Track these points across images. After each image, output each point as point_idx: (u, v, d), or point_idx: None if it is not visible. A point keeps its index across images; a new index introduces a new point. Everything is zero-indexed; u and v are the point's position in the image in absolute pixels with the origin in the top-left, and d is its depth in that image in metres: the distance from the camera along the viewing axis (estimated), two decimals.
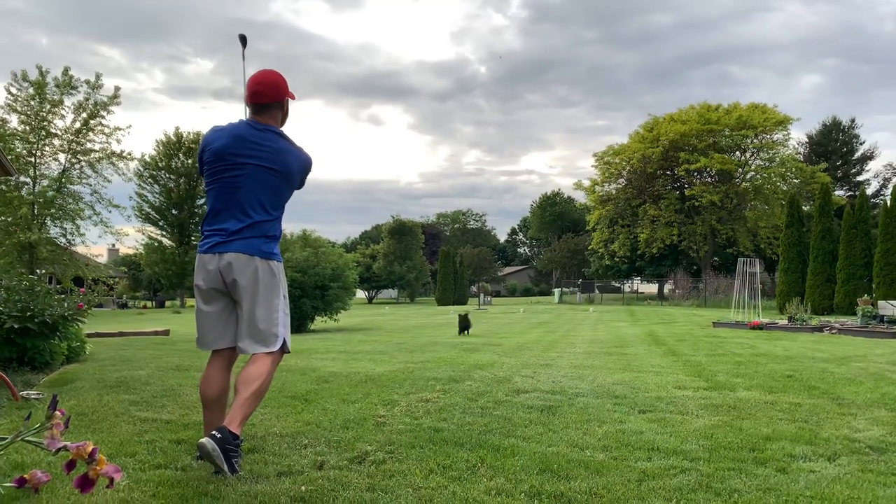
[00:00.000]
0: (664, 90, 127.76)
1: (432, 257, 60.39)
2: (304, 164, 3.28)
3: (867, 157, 49.50)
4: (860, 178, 48.99)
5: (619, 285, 55.94)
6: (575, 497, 2.60)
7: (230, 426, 2.79)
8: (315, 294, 15.25)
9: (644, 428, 3.90)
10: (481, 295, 42.95)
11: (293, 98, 3.29)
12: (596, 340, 11.08)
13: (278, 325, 3.12)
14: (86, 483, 1.35)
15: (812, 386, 5.62)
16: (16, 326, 5.61)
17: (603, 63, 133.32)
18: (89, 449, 1.35)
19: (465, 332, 12.92)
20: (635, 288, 56.81)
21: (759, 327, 14.18)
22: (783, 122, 41.58)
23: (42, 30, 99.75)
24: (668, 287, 45.71)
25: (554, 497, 2.61)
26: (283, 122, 3.28)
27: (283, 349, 3.17)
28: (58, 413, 1.43)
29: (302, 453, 3.25)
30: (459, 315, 13.55)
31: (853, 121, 49.97)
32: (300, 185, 3.33)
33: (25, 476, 1.36)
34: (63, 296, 6.45)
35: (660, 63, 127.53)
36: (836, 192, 43.16)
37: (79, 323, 6.59)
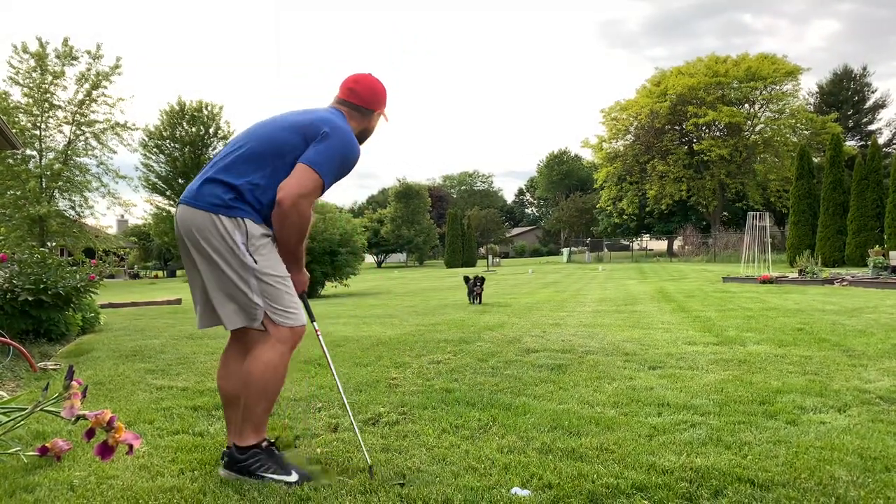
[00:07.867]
0: (674, 42, 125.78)
1: (440, 220, 60.27)
2: None
3: (879, 106, 48.67)
4: (872, 128, 48.29)
5: (628, 243, 55.87)
6: (586, 453, 2.64)
7: (236, 440, 2.47)
8: (324, 260, 15.28)
9: (654, 384, 3.93)
10: (489, 256, 42.89)
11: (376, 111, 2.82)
12: (605, 299, 11.10)
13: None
14: (106, 450, 1.38)
15: (822, 338, 5.63)
16: (30, 299, 5.68)
17: (611, 15, 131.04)
18: (107, 417, 1.37)
19: (477, 299, 10.48)
20: (644, 245, 56.73)
21: (770, 281, 14.15)
22: (793, 73, 40.92)
23: None
24: (677, 243, 45.56)
25: (565, 453, 2.64)
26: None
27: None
28: (75, 383, 1.45)
29: (317, 416, 3.30)
30: (466, 278, 11.03)
31: (865, 69, 49.09)
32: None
33: (47, 445, 1.39)
34: (75, 268, 6.51)
35: (670, 13, 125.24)
36: (848, 143, 42.63)
37: (92, 294, 6.66)
